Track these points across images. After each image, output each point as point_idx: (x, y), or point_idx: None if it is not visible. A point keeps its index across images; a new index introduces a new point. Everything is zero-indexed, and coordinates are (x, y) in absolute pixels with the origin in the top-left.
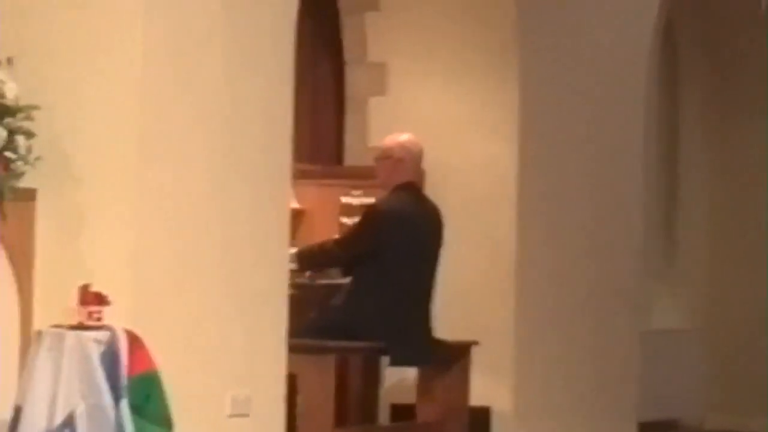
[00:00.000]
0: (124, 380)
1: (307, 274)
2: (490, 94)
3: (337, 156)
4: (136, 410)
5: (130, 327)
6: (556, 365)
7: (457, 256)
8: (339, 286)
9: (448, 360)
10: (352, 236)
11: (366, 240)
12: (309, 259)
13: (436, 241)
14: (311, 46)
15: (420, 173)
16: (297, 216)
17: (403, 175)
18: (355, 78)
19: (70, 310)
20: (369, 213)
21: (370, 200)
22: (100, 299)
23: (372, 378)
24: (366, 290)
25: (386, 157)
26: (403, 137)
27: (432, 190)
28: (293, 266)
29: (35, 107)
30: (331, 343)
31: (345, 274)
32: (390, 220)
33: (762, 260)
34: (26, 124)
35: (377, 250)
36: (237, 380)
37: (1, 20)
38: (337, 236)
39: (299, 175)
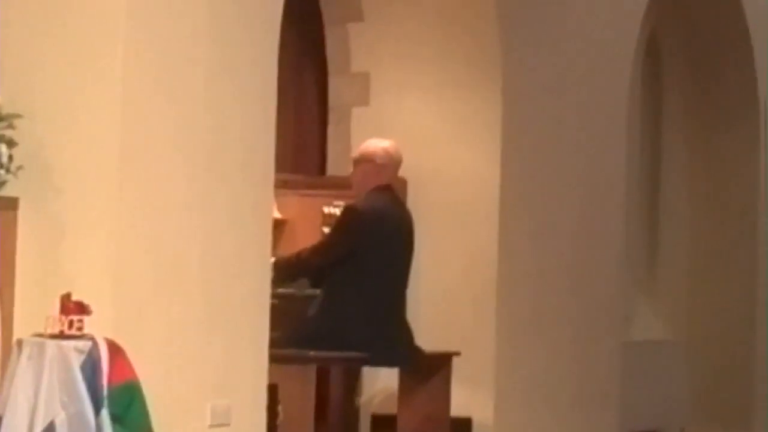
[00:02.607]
0: (104, 390)
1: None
2: (473, 104)
3: (320, 166)
4: (117, 420)
5: (110, 336)
6: (538, 376)
7: (439, 266)
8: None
9: (429, 370)
10: (329, 240)
11: (345, 241)
12: (285, 270)
13: (411, 244)
14: (294, 56)
15: (397, 180)
16: (279, 226)
17: (382, 179)
18: (338, 88)
19: (51, 319)
20: (347, 213)
21: None
22: (82, 308)
23: (353, 388)
24: (344, 294)
25: (368, 161)
26: (385, 143)
27: (414, 200)
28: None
29: (17, 116)
30: (312, 354)
31: (314, 285)
32: (369, 221)
33: (743, 271)
34: (8, 133)
35: (356, 251)
36: (217, 390)
37: None
38: (313, 244)
39: (281, 185)
